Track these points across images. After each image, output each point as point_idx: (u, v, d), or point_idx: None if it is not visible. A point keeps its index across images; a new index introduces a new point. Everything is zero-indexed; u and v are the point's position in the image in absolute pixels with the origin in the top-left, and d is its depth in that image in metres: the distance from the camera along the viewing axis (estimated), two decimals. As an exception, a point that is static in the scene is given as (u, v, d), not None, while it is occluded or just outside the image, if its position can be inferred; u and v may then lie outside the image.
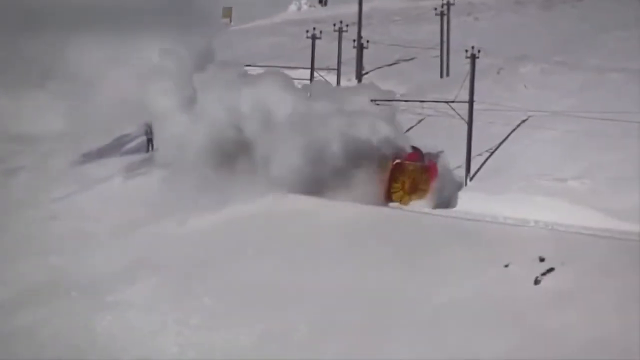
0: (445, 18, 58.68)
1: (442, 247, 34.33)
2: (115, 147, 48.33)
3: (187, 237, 37.87)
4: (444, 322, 30.55)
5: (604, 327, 28.92)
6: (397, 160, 39.54)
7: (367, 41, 55.04)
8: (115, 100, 41.54)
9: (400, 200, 39.40)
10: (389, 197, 39.36)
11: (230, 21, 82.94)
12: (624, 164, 39.40)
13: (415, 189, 39.39)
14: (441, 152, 40.34)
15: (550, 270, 32.03)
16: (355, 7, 59.01)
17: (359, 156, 39.07)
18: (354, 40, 54.99)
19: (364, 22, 58.66)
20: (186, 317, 33.10)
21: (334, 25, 54.27)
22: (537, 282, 31.93)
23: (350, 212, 37.25)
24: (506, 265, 32.68)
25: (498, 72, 50.77)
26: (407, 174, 39.45)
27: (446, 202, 39.06)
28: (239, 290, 33.95)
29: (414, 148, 40.28)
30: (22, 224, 41.77)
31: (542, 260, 32.41)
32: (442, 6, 59.25)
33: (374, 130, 39.43)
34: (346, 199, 38.17)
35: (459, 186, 39.90)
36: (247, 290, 33.76)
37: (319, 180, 38.74)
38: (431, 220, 36.98)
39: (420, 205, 38.82)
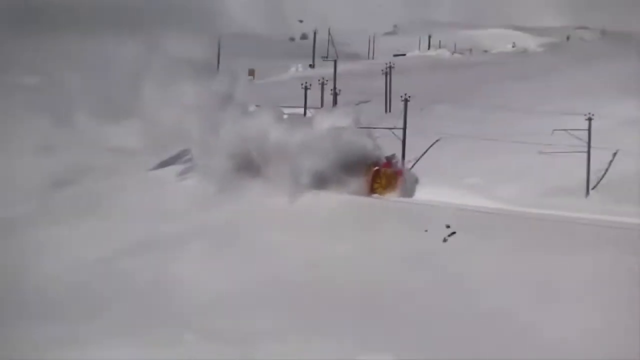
0: (389, 76, 59.93)
1: (390, 219, 35.31)
2: (177, 158, 47.78)
3: (219, 219, 37.62)
4: (382, 267, 31.39)
5: (489, 268, 30.31)
6: (377, 167, 39.66)
7: (340, 90, 55.70)
8: (170, 128, 41.95)
9: (379, 193, 39.44)
10: (371, 191, 39.40)
11: (254, 78, 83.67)
12: (504, 168, 40.31)
13: (389, 185, 39.37)
14: (394, 154, 40.57)
15: (453, 233, 33.02)
16: (332, 69, 60.76)
17: (352, 164, 39.07)
18: (332, 90, 55.95)
19: (337, 78, 59.80)
20: (225, 264, 33.43)
21: (319, 80, 55.09)
22: (445, 240, 32.82)
23: (345, 200, 37.73)
24: (426, 230, 33.62)
25: (421, 110, 50.97)
26: (383, 176, 39.48)
27: (408, 192, 39.30)
28: (259, 247, 34.39)
29: (387, 158, 40.33)
30: (117, 208, 41.06)
31: (448, 227, 33.32)
32: (387, 68, 60.64)
33: (364, 146, 39.47)
34: (343, 192, 38.32)
35: (416, 182, 39.95)
36: (264, 246, 34.31)
37: (325, 180, 38.67)
38: (389, 204, 37.63)
39: (392, 195, 38.99)
